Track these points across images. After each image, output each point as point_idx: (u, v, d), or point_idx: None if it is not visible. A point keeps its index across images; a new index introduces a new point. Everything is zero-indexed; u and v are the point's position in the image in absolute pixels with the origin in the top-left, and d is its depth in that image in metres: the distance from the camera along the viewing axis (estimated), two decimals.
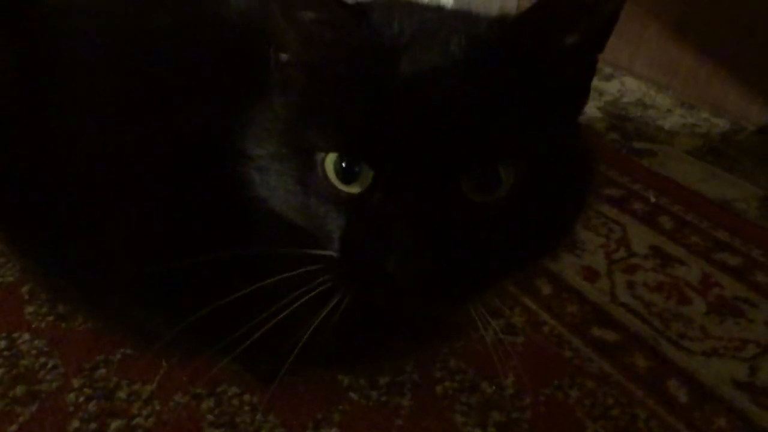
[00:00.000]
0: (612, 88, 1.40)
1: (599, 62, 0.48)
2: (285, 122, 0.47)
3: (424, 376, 0.72)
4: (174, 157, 0.55)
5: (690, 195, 1.06)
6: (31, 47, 0.62)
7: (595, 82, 0.49)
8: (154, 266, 0.55)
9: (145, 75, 0.58)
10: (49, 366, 0.70)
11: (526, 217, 0.46)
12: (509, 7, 1.63)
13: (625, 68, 1.45)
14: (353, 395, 0.69)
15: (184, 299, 0.55)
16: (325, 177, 0.44)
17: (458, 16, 0.51)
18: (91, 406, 0.67)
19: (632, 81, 1.42)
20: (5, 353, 0.71)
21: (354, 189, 0.44)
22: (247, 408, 0.67)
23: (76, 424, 0.65)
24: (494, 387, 0.71)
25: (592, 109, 1.31)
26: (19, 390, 0.68)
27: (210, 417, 0.66)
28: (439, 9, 0.56)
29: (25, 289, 0.79)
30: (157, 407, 0.67)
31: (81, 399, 0.67)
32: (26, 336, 0.73)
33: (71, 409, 0.66)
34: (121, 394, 0.68)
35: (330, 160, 0.44)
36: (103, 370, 0.70)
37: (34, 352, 0.72)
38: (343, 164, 0.44)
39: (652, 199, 1.04)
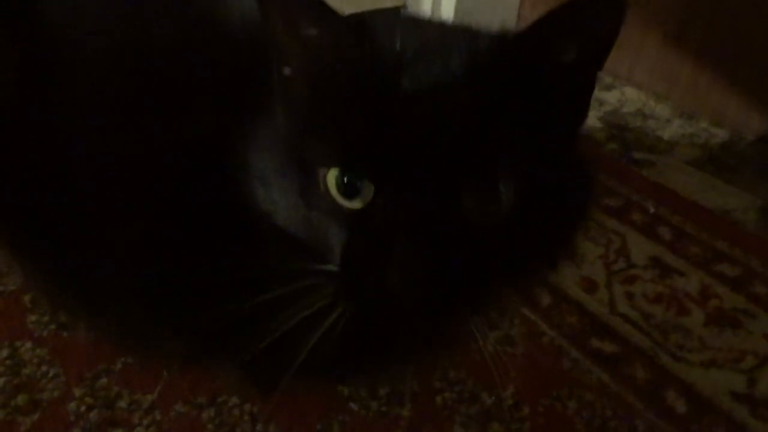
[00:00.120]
0: (612, 97, 1.41)
1: (599, 72, 0.48)
2: (287, 137, 0.48)
3: (424, 387, 0.72)
4: (176, 166, 0.55)
5: (689, 205, 1.06)
6: (35, 54, 0.63)
7: (595, 92, 0.50)
8: (156, 276, 0.56)
9: (149, 83, 0.58)
10: (51, 375, 0.71)
11: (526, 231, 0.47)
12: (509, 17, 1.64)
13: (625, 78, 1.46)
14: (353, 405, 0.70)
15: (186, 310, 0.56)
16: (327, 192, 0.45)
17: (459, 31, 0.51)
18: (93, 416, 0.67)
19: (632, 91, 1.43)
20: (7, 362, 0.72)
21: (356, 204, 0.45)
22: (247, 418, 0.67)
23: None
24: (493, 398, 0.71)
25: (592, 119, 1.32)
26: (21, 399, 0.68)
27: (210, 426, 0.67)
28: (441, 24, 0.56)
29: (27, 297, 0.79)
30: (158, 417, 0.67)
31: (82, 408, 0.67)
32: (28, 344, 0.74)
33: (72, 418, 0.67)
34: (122, 404, 0.68)
35: (332, 175, 0.45)
36: (104, 380, 0.70)
37: (36, 360, 0.72)
38: (345, 179, 0.44)
39: (652, 210, 1.04)
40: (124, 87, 0.59)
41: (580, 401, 0.72)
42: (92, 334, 0.74)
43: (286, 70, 0.48)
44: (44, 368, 0.71)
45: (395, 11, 1.58)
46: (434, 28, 0.54)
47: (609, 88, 1.44)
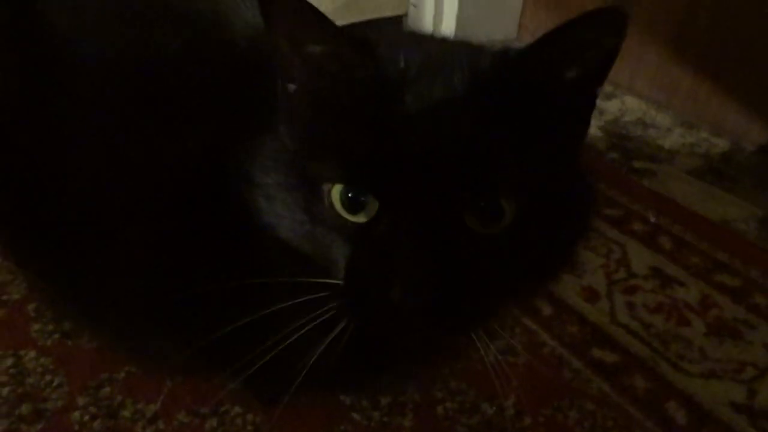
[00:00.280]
0: (613, 107, 1.42)
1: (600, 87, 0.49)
2: (292, 152, 0.48)
3: (426, 397, 0.72)
4: (180, 178, 0.56)
5: (690, 215, 1.06)
6: (39, 61, 0.63)
7: (596, 101, 0.50)
8: (160, 288, 0.56)
9: (152, 94, 0.59)
10: (55, 384, 0.71)
11: (529, 245, 0.47)
12: (510, 28, 1.65)
13: (626, 87, 1.46)
14: (355, 416, 0.70)
15: (190, 322, 0.56)
16: (331, 207, 0.45)
17: (462, 48, 0.52)
18: (96, 425, 0.67)
19: (633, 100, 1.44)
20: (11, 371, 0.72)
21: (360, 218, 0.45)
22: (250, 428, 0.68)
23: None
24: (495, 408, 0.72)
25: (592, 128, 1.32)
26: (25, 408, 0.68)
27: None
28: (443, 40, 0.57)
29: (31, 306, 0.80)
30: (161, 426, 0.67)
31: (86, 417, 0.68)
32: (32, 353, 0.74)
33: (76, 427, 0.67)
34: (126, 413, 0.69)
35: (336, 190, 0.45)
36: (107, 389, 0.71)
37: (39, 369, 0.73)
38: (349, 195, 0.45)
39: (652, 219, 1.04)
40: (127, 97, 0.59)
41: (581, 411, 0.72)
42: (96, 343, 0.75)
43: (291, 87, 0.48)
44: (48, 377, 0.72)
45: (397, 21, 1.59)
46: (437, 44, 0.54)
47: (610, 97, 1.45)
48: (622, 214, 1.06)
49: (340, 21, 0.45)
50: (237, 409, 0.69)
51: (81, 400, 0.69)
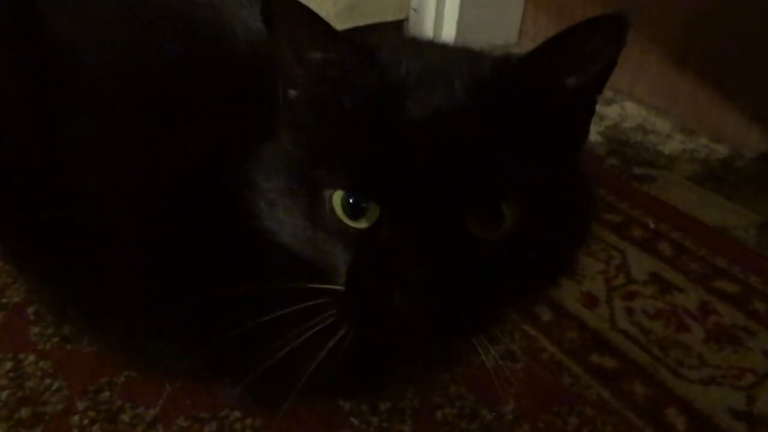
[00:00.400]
0: (612, 112, 1.42)
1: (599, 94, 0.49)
2: (293, 157, 0.48)
3: (425, 403, 0.72)
4: (182, 184, 0.56)
5: (689, 221, 1.07)
6: (41, 68, 0.63)
7: (596, 107, 0.51)
8: (161, 293, 0.56)
9: (154, 99, 0.59)
10: (54, 388, 0.71)
11: (529, 251, 0.47)
12: (511, 33, 1.65)
13: (626, 93, 1.47)
14: (354, 421, 0.70)
15: (191, 328, 0.56)
16: (332, 212, 0.45)
17: (463, 54, 0.52)
18: (95, 429, 0.67)
19: (632, 106, 1.44)
20: (11, 374, 0.72)
21: (361, 224, 0.45)
22: None
23: None
24: (494, 414, 0.72)
25: (592, 134, 1.32)
26: (24, 412, 0.68)
27: None
28: (443, 46, 0.57)
29: (31, 309, 0.80)
30: (161, 430, 0.67)
31: (85, 421, 0.68)
32: (32, 357, 0.74)
33: (75, 431, 0.67)
34: (125, 417, 0.68)
35: (337, 196, 0.45)
36: (107, 393, 0.71)
37: (39, 373, 0.72)
38: (351, 200, 0.45)
39: (652, 225, 1.05)
40: (127, 100, 0.59)
41: (581, 417, 0.72)
42: (96, 347, 0.75)
43: (292, 93, 0.48)
44: (47, 381, 0.72)
45: (398, 25, 1.59)
46: (437, 50, 0.54)
47: (609, 102, 1.45)
48: (621, 220, 1.06)
49: (341, 25, 0.45)
50: (236, 414, 0.69)
51: (80, 404, 0.69)
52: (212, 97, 0.57)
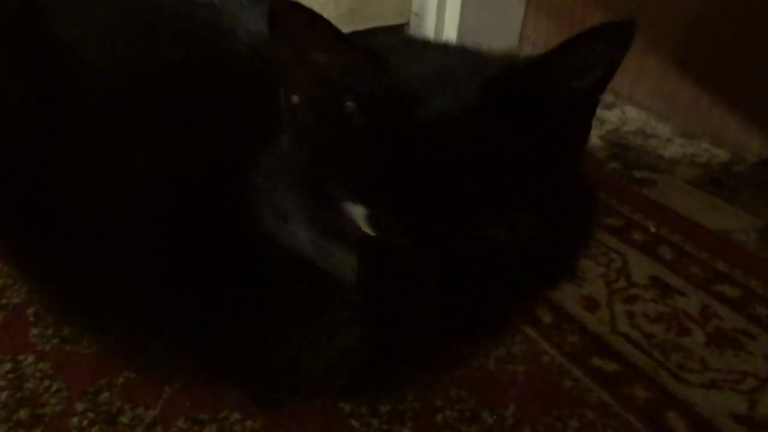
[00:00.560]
0: (613, 116, 1.42)
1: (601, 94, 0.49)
2: (298, 162, 0.47)
3: (425, 405, 0.72)
4: (184, 186, 0.56)
5: (690, 225, 1.07)
6: (43, 73, 0.64)
7: (597, 111, 0.51)
8: (163, 295, 0.56)
9: (155, 103, 0.59)
10: (54, 389, 0.71)
11: (539, 252, 0.47)
12: (512, 35, 1.66)
13: (626, 97, 1.47)
14: (354, 423, 0.70)
15: (192, 329, 0.56)
16: (340, 217, 0.44)
17: (468, 55, 0.51)
18: (95, 430, 0.67)
19: (633, 110, 1.44)
20: (10, 376, 0.72)
21: (373, 231, 0.44)
22: None
23: None
24: (494, 417, 0.72)
25: (593, 138, 1.32)
26: (23, 413, 0.68)
27: None
28: (446, 47, 0.57)
29: (30, 311, 0.80)
30: None
31: (84, 423, 0.68)
32: (31, 358, 0.74)
33: None
34: (124, 419, 0.68)
35: (348, 203, 0.44)
36: (106, 394, 0.71)
37: (38, 374, 0.72)
38: (363, 208, 0.43)
39: (652, 229, 1.05)
40: (129, 104, 0.59)
41: (581, 420, 0.72)
42: (95, 348, 0.75)
43: (294, 98, 0.47)
44: (47, 382, 0.72)
45: (399, 29, 1.59)
46: (442, 52, 0.54)
47: (610, 107, 1.45)
48: (622, 224, 1.06)
49: (342, 29, 0.44)
50: (236, 416, 0.69)
51: (80, 406, 0.69)
52: (213, 98, 0.57)
